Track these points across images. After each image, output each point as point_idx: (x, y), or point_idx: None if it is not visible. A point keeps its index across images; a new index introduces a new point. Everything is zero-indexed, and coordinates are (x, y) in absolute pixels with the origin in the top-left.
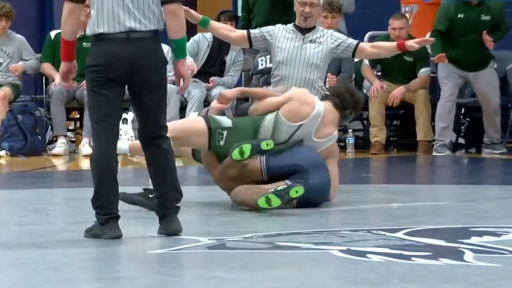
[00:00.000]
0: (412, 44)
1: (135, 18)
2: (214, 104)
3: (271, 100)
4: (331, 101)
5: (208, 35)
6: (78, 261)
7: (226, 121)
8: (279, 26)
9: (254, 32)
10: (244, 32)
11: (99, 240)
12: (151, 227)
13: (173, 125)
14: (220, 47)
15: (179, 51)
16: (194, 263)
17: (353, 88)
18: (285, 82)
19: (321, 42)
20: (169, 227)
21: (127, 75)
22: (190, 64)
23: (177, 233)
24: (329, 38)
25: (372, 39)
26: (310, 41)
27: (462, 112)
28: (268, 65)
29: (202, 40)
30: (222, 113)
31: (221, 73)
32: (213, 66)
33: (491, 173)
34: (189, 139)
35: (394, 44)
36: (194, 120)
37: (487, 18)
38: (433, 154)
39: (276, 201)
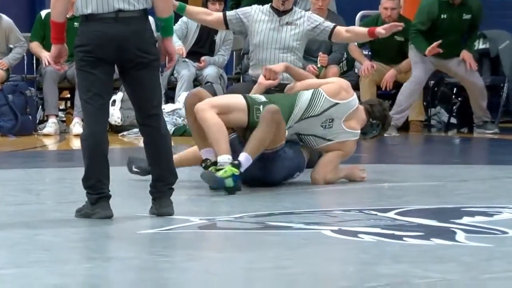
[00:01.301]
0: (380, 30)
1: None
2: (262, 80)
3: (312, 81)
4: (363, 105)
5: None
6: (68, 241)
7: (261, 97)
8: (255, 8)
9: (230, 14)
10: (220, 14)
11: (90, 220)
12: (142, 207)
13: (216, 101)
14: (209, 27)
15: (167, 30)
16: (185, 243)
17: (386, 106)
18: (262, 65)
19: (297, 24)
20: (161, 209)
21: (116, 54)
22: (179, 47)
23: (169, 215)
24: (306, 20)
25: (363, 18)
26: (287, 23)
27: (454, 91)
28: None
29: (190, 21)
30: (212, 89)
31: (211, 53)
32: (203, 46)
33: (483, 153)
34: (230, 115)
35: (365, 30)
36: (233, 97)
37: (468, 17)
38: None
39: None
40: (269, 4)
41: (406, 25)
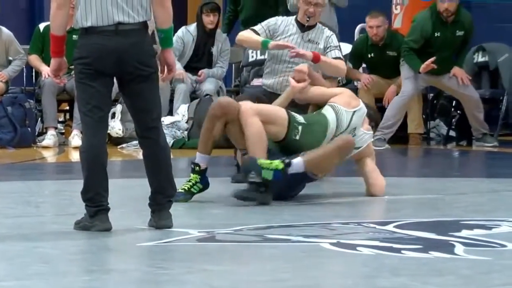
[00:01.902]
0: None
1: (124, 11)
2: (294, 83)
3: (322, 90)
4: None
5: (192, 29)
6: (68, 254)
7: (300, 117)
8: (280, 19)
9: (258, 29)
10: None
11: (88, 232)
12: (141, 219)
13: (261, 109)
14: (205, 39)
15: (166, 41)
16: (184, 256)
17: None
18: (276, 77)
19: (318, 42)
20: (161, 221)
21: (116, 67)
22: (179, 72)
23: (168, 228)
24: (325, 40)
25: (363, 31)
26: (309, 40)
27: (453, 104)
28: (259, 57)
29: (186, 35)
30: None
31: (209, 66)
32: (200, 60)
33: (482, 166)
34: (271, 126)
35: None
36: (277, 109)
37: (461, 33)
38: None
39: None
40: (294, 16)
41: (399, 40)
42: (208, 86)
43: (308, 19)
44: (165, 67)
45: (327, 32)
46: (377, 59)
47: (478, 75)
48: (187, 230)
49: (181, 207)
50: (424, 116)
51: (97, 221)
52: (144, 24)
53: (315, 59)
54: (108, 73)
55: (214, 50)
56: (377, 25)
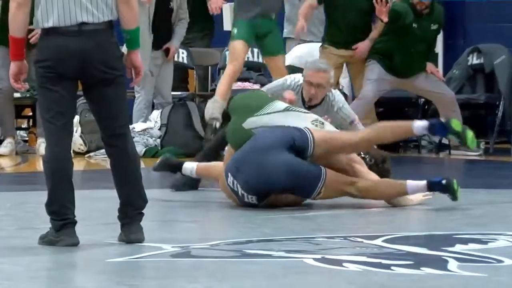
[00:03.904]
0: None
1: (87, 11)
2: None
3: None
4: None
5: None
6: (31, 270)
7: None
8: (289, 82)
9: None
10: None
11: (54, 247)
12: (110, 233)
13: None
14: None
15: (133, 42)
16: (156, 273)
17: None
18: None
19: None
20: (131, 235)
21: (79, 69)
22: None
23: (139, 242)
24: (333, 108)
25: None
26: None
27: None
28: None
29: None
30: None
31: (168, 35)
32: (161, 25)
33: (478, 175)
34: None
35: None
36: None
37: (435, 27)
38: None
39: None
40: (301, 87)
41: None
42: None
43: (309, 100)
44: (132, 70)
45: (333, 108)
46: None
47: (472, 78)
48: (160, 245)
49: (154, 221)
50: None
51: (63, 236)
52: (110, 24)
53: None
54: (71, 76)
55: (173, 3)
56: None
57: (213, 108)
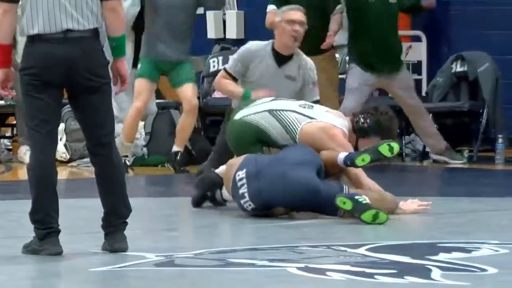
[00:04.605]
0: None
1: (73, 18)
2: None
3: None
4: None
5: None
6: (15, 280)
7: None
8: (255, 47)
9: (233, 70)
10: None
11: (38, 256)
12: (94, 242)
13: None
14: None
15: (119, 49)
16: (140, 282)
17: None
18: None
19: (295, 78)
20: (115, 244)
21: (65, 77)
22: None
23: (123, 251)
24: (303, 77)
25: None
26: (285, 76)
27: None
28: (220, 66)
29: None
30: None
31: None
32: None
33: (461, 184)
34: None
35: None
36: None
37: (394, 0)
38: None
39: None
40: (270, 43)
41: None
42: None
43: (294, 39)
44: (118, 78)
45: (306, 65)
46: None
47: (456, 86)
48: (143, 253)
49: (138, 229)
50: (398, 131)
51: (47, 245)
52: (95, 32)
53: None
54: (56, 84)
55: None
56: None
57: (122, 150)
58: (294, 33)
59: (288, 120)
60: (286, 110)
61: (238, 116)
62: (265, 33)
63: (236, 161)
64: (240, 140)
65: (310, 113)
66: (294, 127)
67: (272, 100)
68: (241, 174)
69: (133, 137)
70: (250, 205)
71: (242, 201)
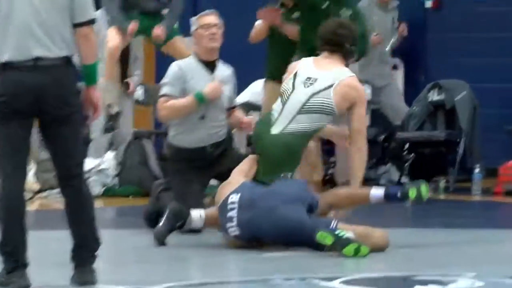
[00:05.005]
0: None
1: (43, 45)
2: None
3: None
4: None
5: None
6: None
7: None
8: (180, 64)
9: (170, 92)
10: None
11: None
12: (62, 275)
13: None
14: None
15: (91, 77)
16: None
17: None
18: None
19: (228, 82)
20: (84, 277)
21: (34, 105)
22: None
23: (91, 284)
24: (228, 79)
25: None
26: (221, 81)
27: (406, 147)
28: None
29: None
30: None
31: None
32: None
33: (437, 215)
34: None
35: None
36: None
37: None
38: None
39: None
40: (191, 57)
41: None
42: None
43: (214, 41)
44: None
45: (227, 69)
46: None
47: (433, 114)
48: (113, 286)
49: (107, 262)
50: (374, 160)
51: (15, 278)
52: (67, 60)
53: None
54: (26, 112)
55: (130, 59)
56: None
57: (106, 98)
58: (211, 36)
59: (317, 106)
60: (307, 101)
61: (275, 131)
62: None
63: (235, 181)
64: (291, 150)
65: (321, 84)
66: (329, 105)
67: (285, 104)
68: (235, 197)
69: (114, 75)
70: (235, 231)
71: (227, 224)
